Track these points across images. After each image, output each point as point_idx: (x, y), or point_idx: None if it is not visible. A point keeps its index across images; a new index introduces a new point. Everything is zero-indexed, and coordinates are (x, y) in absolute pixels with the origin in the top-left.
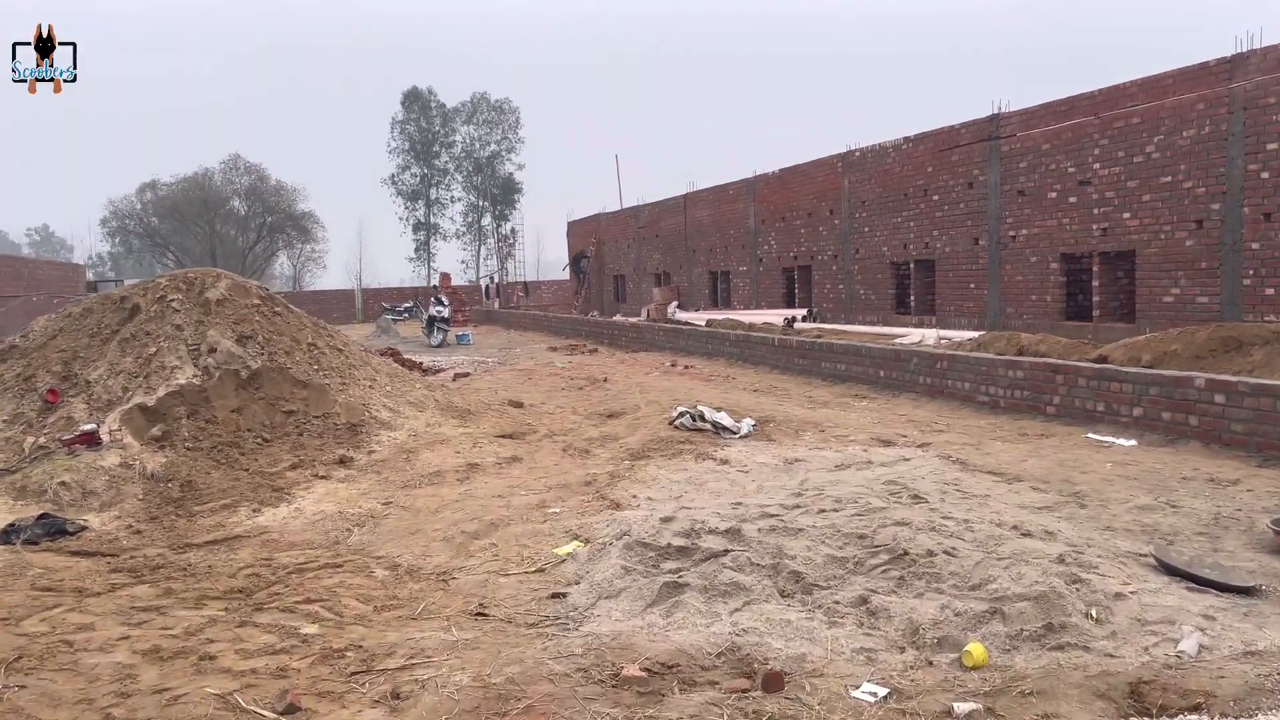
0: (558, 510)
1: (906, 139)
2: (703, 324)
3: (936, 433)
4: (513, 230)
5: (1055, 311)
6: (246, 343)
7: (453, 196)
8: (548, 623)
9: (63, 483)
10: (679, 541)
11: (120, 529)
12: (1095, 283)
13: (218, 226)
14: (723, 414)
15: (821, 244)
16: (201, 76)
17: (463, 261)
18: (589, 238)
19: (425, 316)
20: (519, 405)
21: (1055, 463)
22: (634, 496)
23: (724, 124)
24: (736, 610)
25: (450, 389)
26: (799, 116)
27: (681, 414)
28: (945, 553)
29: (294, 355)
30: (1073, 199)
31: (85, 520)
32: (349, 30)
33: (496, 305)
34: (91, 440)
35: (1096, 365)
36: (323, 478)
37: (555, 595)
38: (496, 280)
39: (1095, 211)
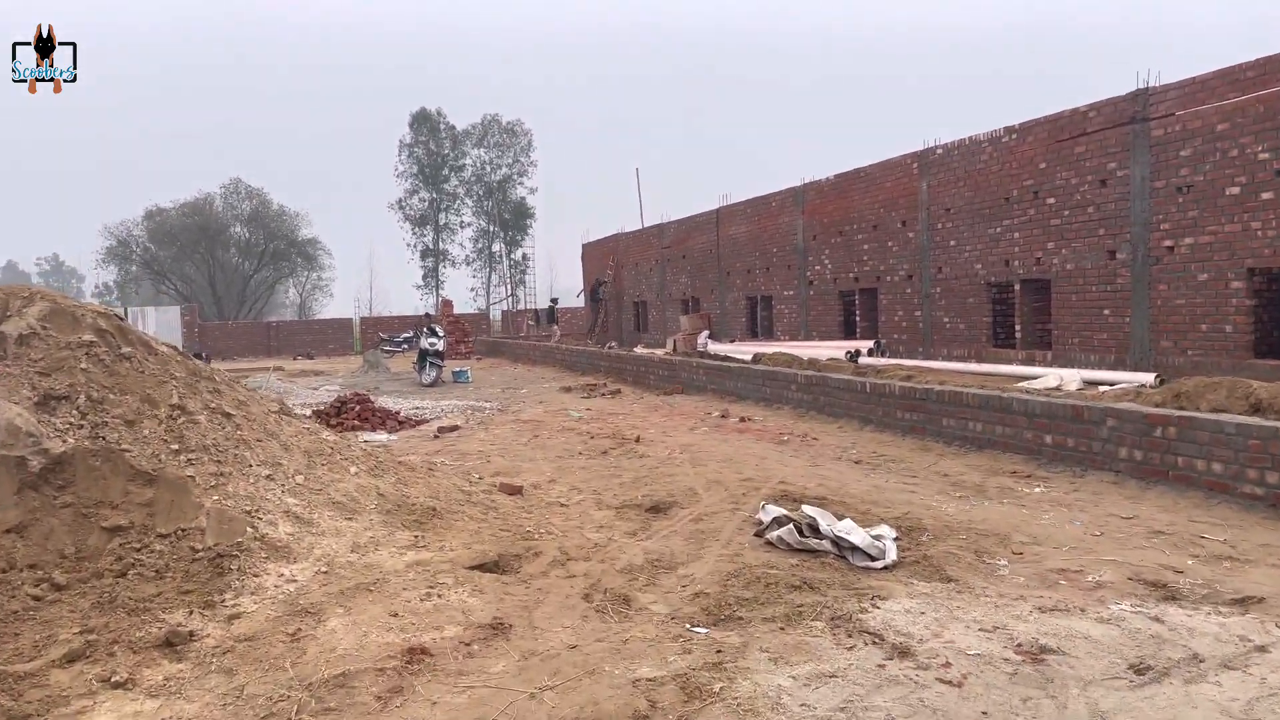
0: None
1: (1009, 129)
2: (747, 358)
3: (1231, 564)
4: (524, 256)
5: (1240, 345)
6: (56, 407)
7: (462, 222)
8: None
9: None
10: None
11: None
12: None
13: (218, 253)
14: (846, 522)
15: (891, 262)
16: (207, 99)
17: (472, 289)
18: (606, 260)
19: (418, 350)
20: (516, 491)
21: None
22: None
23: (759, 142)
24: None
25: (414, 469)
26: (851, 131)
27: (778, 521)
28: None
29: (140, 427)
30: (1267, 194)
31: None
32: (356, 51)
33: (559, 334)
34: None
35: None
36: (120, 686)
37: None
38: (552, 305)
39: None
